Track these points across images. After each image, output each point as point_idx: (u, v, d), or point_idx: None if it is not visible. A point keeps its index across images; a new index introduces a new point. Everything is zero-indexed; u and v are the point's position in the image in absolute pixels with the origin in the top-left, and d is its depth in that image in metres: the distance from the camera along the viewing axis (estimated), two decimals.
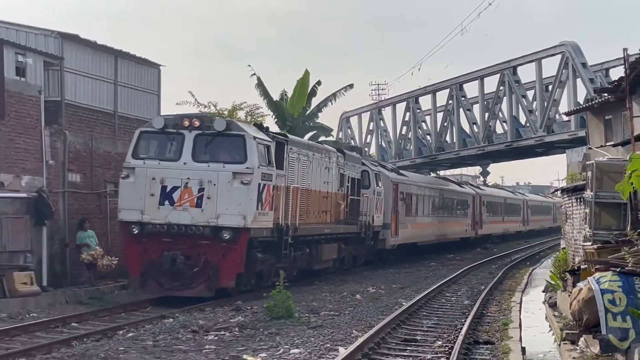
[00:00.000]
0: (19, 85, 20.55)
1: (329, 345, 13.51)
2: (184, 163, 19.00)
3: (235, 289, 19.64)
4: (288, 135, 22.81)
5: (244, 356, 12.49)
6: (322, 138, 41.66)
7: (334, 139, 45.68)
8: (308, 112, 41.80)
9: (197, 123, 19.29)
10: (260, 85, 41.16)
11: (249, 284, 20.26)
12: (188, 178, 18.80)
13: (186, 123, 19.26)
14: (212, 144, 19.31)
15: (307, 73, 40.92)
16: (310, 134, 40.37)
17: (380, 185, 31.28)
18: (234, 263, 18.76)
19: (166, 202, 18.79)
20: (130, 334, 14.26)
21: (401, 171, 38.03)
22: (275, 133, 22.44)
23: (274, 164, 20.37)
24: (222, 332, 14.87)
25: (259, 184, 19.20)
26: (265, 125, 20.80)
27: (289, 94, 41.89)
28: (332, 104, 43.20)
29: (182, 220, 18.69)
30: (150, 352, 12.80)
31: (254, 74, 41.49)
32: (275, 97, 42.05)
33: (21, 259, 19.35)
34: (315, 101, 42.58)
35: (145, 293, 19.19)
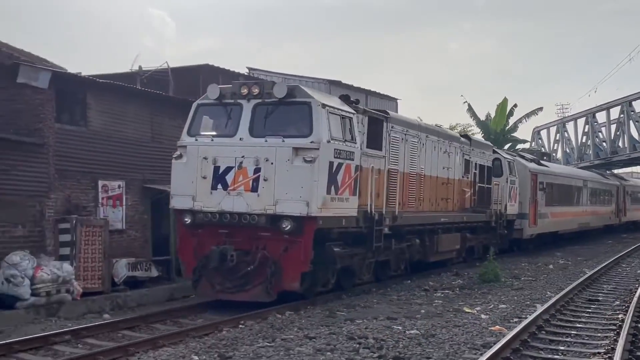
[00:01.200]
0: None
1: (528, 302, 12.99)
2: (240, 139, 11.79)
3: (311, 290, 12.36)
4: (389, 112, 15.01)
5: (464, 308, 12.26)
6: (519, 146, 40.59)
7: (528, 147, 44.09)
8: (507, 127, 40.90)
9: (256, 90, 11.93)
10: (470, 109, 40.92)
11: (327, 283, 12.79)
12: (243, 156, 11.63)
13: (244, 91, 12.01)
14: (273, 114, 11.87)
15: (505, 100, 40.34)
16: (509, 144, 39.42)
17: (514, 173, 23.30)
18: (297, 260, 11.48)
19: (219, 186, 11.76)
20: (381, 291, 14.46)
21: (542, 162, 29.57)
22: (372, 109, 14.60)
23: (356, 139, 12.51)
24: (447, 291, 14.68)
25: (331, 163, 11.69)
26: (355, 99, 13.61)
27: (492, 115, 41.22)
28: (525, 121, 42.00)
29: (236, 207, 11.59)
30: (395, 303, 12.89)
31: (465, 101, 40.99)
32: (482, 117, 41.52)
33: None
34: (512, 119, 41.56)
35: (199, 296, 12.40)
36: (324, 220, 11.64)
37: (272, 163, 11.44)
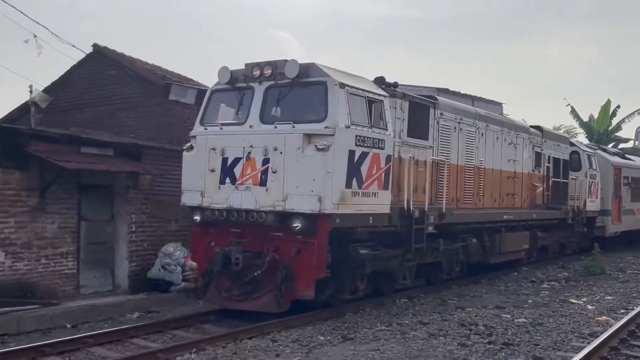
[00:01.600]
0: None
1: (635, 294, 12.29)
2: (250, 126, 9.47)
3: (335, 297, 9.92)
4: (437, 97, 12.38)
5: (570, 299, 11.75)
6: (621, 145, 38.36)
7: (632, 147, 41.55)
8: (610, 128, 38.94)
9: (268, 71, 9.55)
10: (573, 111, 39.32)
11: (354, 291, 10.17)
12: (251, 146, 9.28)
13: (257, 73, 9.62)
14: (285, 97, 9.47)
15: (608, 101, 38.38)
16: (612, 144, 37.41)
17: (595, 167, 19.82)
18: (310, 265, 8.98)
19: (227, 180, 9.49)
20: (489, 281, 14.09)
21: (628, 155, 24.90)
22: (415, 94, 11.52)
23: (387, 126, 9.85)
24: (553, 283, 14.11)
25: (351, 152, 9.09)
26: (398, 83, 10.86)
27: (595, 117, 39.40)
28: (629, 121, 39.75)
29: (244, 203, 9.29)
30: (503, 294, 12.55)
31: (569, 104, 39.22)
32: (585, 119, 39.77)
33: None
34: (615, 120, 39.54)
35: (206, 302, 10.19)
36: (342, 219, 9.04)
37: (281, 152, 9.05)
